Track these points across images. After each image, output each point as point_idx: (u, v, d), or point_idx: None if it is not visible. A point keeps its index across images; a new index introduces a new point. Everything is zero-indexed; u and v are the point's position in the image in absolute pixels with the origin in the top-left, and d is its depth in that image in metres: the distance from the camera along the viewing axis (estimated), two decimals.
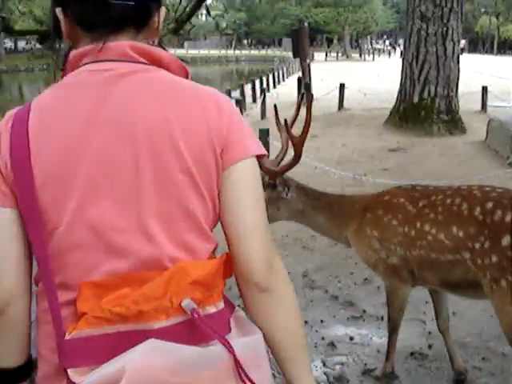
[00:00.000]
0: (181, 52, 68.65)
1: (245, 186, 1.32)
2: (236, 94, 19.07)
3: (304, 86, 3.58)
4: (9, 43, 62.56)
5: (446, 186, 3.47)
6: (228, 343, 1.20)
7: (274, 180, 3.40)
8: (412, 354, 3.85)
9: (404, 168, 9.25)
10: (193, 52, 68.54)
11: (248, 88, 20.94)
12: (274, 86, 26.56)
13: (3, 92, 42.96)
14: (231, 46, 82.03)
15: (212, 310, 1.26)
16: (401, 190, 3.36)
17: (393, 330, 3.48)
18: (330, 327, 4.25)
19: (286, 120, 3.37)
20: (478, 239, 2.84)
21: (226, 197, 1.31)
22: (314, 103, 16.73)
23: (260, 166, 3.43)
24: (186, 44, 70.70)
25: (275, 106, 3.82)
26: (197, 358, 1.18)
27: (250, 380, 1.21)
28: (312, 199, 3.52)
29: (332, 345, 4.00)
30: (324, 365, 3.78)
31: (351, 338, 4.08)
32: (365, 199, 3.50)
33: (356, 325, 4.28)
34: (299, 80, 19.49)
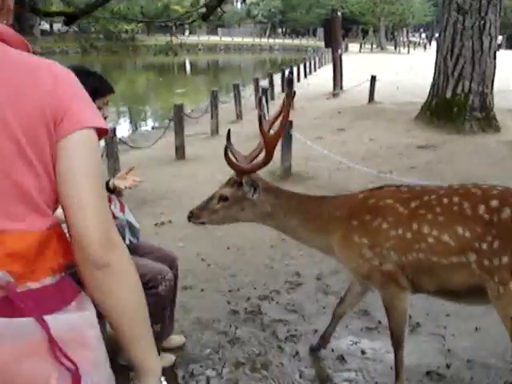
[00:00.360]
0: (214, 39, 68.99)
1: (80, 158, 1.27)
2: (265, 83, 18.76)
3: (286, 82, 3.40)
4: (45, 25, 63.01)
5: (434, 185, 3.33)
6: (42, 319, 1.19)
7: (241, 178, 3.18)
8: (428, 373, 3.53)
9: (432, 167, 8.86)
10: (226, 39, 68.54)
11: (278, 77, 20.62)
12: (305, 76, 26.21)
13: None
14: (265, 34, 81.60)
15: (34, 285, 1.24)
16: (385, 191, 3.14)
17: (398, 346, 3.21)
18: (341, 338, 3.96)
19: (260, 115, 3.18)
20: (486, 239, 2.69)
21: (60, 168, 1.27)
22: (343, 95, 16.47)
23: (228, 162, 3.09)
24: (219, 31, 70.66)
25: (260, 98, 3.64)
26: (2, 329, 1.17)
27: (67, 358, 1.20)
28: (283, 202, 3.26)
29: (342, 358, 3.71)
30: (331, 381, 3.50)
31: (363, 352, 3.78)
32: (347, 204, 3.23)
33: (369, 337, 3.97)
34: (334, 70, 19.13)
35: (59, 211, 1.36)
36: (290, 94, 3.35)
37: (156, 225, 6.34)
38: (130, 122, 19.09)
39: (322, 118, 14.06)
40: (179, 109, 9.97)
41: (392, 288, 3.04)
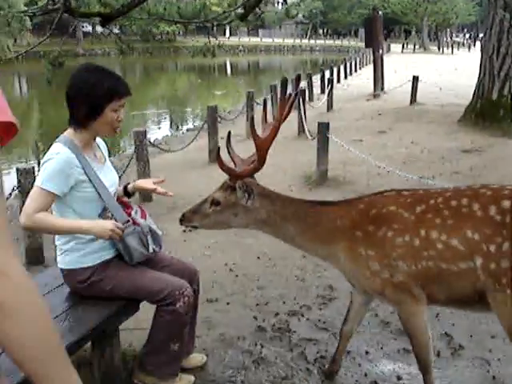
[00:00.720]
0: (255, 40, 68.95)
1: None
2: (304, 84, 18.43)
3: (281, 84, 3.10)
4: (88, 27, 63.90)
5: (438, 187, 3.10)
6: None
7: (234, 182, 3.00)
8: None
9: (477, 172, 8.40)
10: (267, 41, 68.39)
11: (318, 78, 20.28)
12: (346, 77, 25.79)
13: None
14: (306, 35, 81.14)
15: None
16: (386, 197, 2.95)
17: (425, 370, 2.97)
18: (376, 361, 3.63)
19: (251, 117, 3.04)
20: (495, 241, 2.55)
21: None
22: (384, 96, 15.98)
23: (220, 165, 2.93)
24: (260, 32, 70.55)
25: (264, 100, 3.49)
26: None
27: None
28: (279, 208, 3.04)
29: None
30: None
31: (399, 378, 3.45)
32: (349, 214, 2.97)
33: (407, 360, 3.61)
34: (375, 71, 18.70)
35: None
36: (284, 97, 3.04)
37: (184, 231, 6.09)
38: (170, 124, 18.98)
39: (361, 120, 13.66)
40: (213, 110, 9.74)
41: (408, 302, 2.83)
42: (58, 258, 3.16)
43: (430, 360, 2.94)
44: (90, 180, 2.96)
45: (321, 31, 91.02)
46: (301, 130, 11.35)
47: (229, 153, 3.10)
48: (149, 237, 3.17)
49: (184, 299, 3.09)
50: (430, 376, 2.95)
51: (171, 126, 18.14)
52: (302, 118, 11.14)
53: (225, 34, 66.07)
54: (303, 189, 7.61)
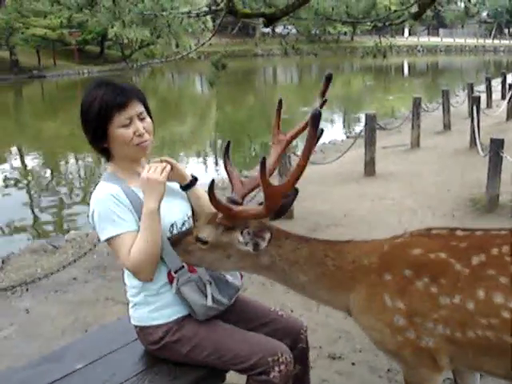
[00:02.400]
0: (434, 40, 66.04)
1: None
2: (482, 88, 16.86)
3: (312, 118, 2.21)
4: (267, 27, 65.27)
5: (502, 229, 2.23)
6: None
7: (231, 222, 2.29)
8: None
9: None
10: (448, 40, 65.35)
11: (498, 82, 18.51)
12: None
13: (258, 74, 44.98)
14: (490, 35, 76.26)
15: None
16: (434, 236, 2.24)
17: None
18: None
19: (263, 160, 2.06)
20: None
21: None
22: None
23: (214, 202, 2.18)
24: (440, 32, 67.58)
25: (280, 100, 2.48)
26: None
27: None
28: (289, 251, 2.34)
29: None
30: None
31: None
32: (377, 250, 2.30)
33: None
34: None
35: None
36: (314, 134, 2.10)
37: None
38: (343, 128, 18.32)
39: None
40: (371, 119, 8.88)
41: (424, 369, 2.21)
42: (130, 312, 2.62)
43: None
44: (137, 217, 2.40)
45: (506, 31, 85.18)
46: (473, 142, 10.08)
47: (227, 171, 2.41)
48: (209, 286, 2.55)
49: (280, 367, 2.44)
50: None
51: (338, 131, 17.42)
52: (474, 129, 9.88)
53: (403, 34, 63.97)
54: (467, 215, 6.52)
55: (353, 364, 3.66)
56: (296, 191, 2.36)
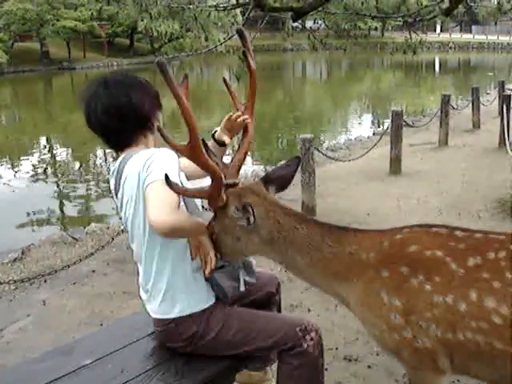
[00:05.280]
0: (466, 37, 65.15)
1: None
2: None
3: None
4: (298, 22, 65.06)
5: (502, 233, 2.17)
6: None
7: (214, 204, 2.26)
8: None
9: None
10: (480, 38, 64.42)
11: None
12: None
13: (286, 69, 44.90)
14: None
15: None
16: (433, 234, 2.19)
17: None
18: None
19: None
20: None
21: None
22: None
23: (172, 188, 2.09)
24: (473, 28, 66.62)
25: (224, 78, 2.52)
26: None
27: None
28: (285, 228, 2.27)
29: None
30: None
31: None
32: (377, 244, 2.23)
33: None
34: None
35: None
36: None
37: None
38: (372, 124, 18.13)
39: None
40: (397, 115, 8.72)
41: (425, 371, 2.16)
42: (160, 307, 2.52)
43: None
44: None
45: None
46: (502, 141, 9.87)
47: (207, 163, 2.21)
48: (241, 271, 2.58)
49: (310, 335, 2.49)
50: None
51: (349, 129, 17.25)
52: (504, 128, 9.66)
53: (435, 31, 63.25)
54: (493, 217, 6.37)
55: (369, 367, 3.58)
56: (298, 159, 2.31)
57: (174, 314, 2.48)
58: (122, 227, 2.42)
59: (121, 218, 2.56)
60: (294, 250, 2.30)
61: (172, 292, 2.47)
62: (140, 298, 2.65)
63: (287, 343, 2.45)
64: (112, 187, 2.53)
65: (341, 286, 2.31)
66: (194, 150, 2.08)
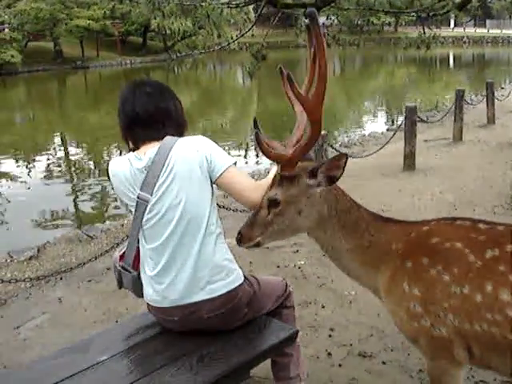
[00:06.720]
0: (481, 31, 64.65)
1: None
2: None
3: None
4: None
5: None
6: None
7: (288, 170, 2.33)
8: None
9: None
10: (495, 32, 63.87)
11: None
12: None
13: (299, 66, 44.76)
14: None
15: None
16: (454, 227, 2.27)
17: None
18: None
19: (288, 74, 2.22)
20: None
21: None
22: None
23: (266, 151, 2.29)
24: (487, 23, 66.11)
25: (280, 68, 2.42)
26: None
27: None
28: (342, 208, 2.38)
29: None
30: None
31: None
32: (406, 235, 2.32)
33: None
34: None
35: None
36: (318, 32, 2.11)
37: None
38: (387, 120, 18.04)
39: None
40: (411, 111, 8.67)
41: (442, 361, 2.21)
42: (230, 277, 2.67)
43: None
44: None
45: None
46: None
47: (259, 142, 2.29)
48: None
49: (287, 283, 3.06)
50: None
51: (363, 125, 17.18)
52: None
53: (449, 25, 62.79)
54: (508, 212, 6.32)
55: (383, 363, 3.56)
56: (346, 156, 2.31)
57: (235, 283, 2.64)
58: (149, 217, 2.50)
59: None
60: (341, 233, 2.38)
61: (226, 264, 2.63)
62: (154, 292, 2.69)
63: (285, 290, 2.94)
64: (140, 183, 2.57)
65: (373, 275, 2.39)
66: (318, 98, 2.19)
